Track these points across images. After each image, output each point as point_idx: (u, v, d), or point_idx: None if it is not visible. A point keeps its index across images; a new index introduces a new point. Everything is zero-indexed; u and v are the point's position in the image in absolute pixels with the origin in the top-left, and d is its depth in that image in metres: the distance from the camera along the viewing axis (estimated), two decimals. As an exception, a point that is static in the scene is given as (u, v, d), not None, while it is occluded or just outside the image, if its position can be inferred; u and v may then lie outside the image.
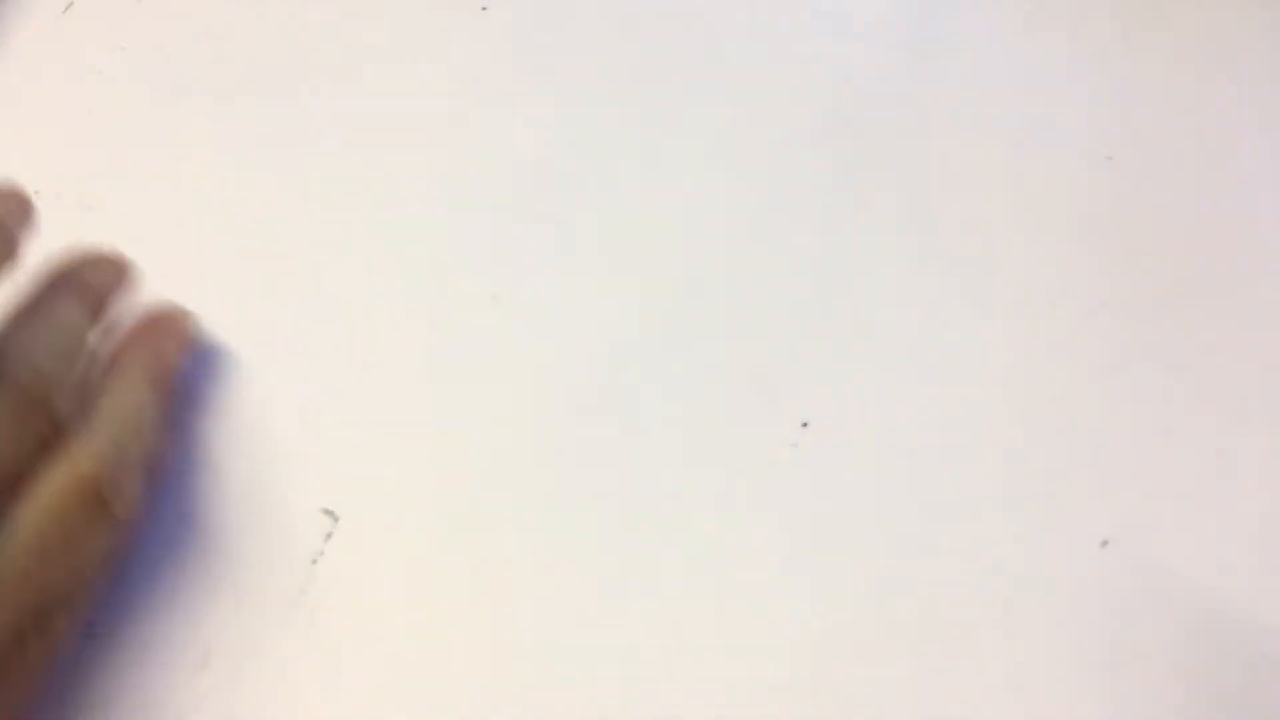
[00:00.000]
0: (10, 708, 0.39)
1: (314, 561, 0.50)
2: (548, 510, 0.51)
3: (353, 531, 0.51)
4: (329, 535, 0.51)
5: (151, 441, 0.47)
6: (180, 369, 0.52)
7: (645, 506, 0.51)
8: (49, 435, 0.42)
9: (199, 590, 0.49)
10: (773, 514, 0.51)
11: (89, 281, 0.49)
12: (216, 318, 0.56)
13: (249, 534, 0.51)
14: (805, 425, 0.54)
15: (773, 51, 0.68)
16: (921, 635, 0.48)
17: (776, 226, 0.60)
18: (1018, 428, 0.54)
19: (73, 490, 0.41)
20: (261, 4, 0.69)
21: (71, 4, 0.68)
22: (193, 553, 0.50)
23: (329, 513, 0.51)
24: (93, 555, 0.43)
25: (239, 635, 0.48)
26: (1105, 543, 0.51)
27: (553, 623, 0.49)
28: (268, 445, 0.53)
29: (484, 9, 0.69)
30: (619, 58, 0.67)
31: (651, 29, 0.69)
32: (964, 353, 0.56)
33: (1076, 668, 0.48)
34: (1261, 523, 0.51)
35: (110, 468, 0.42)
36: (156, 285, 0.56)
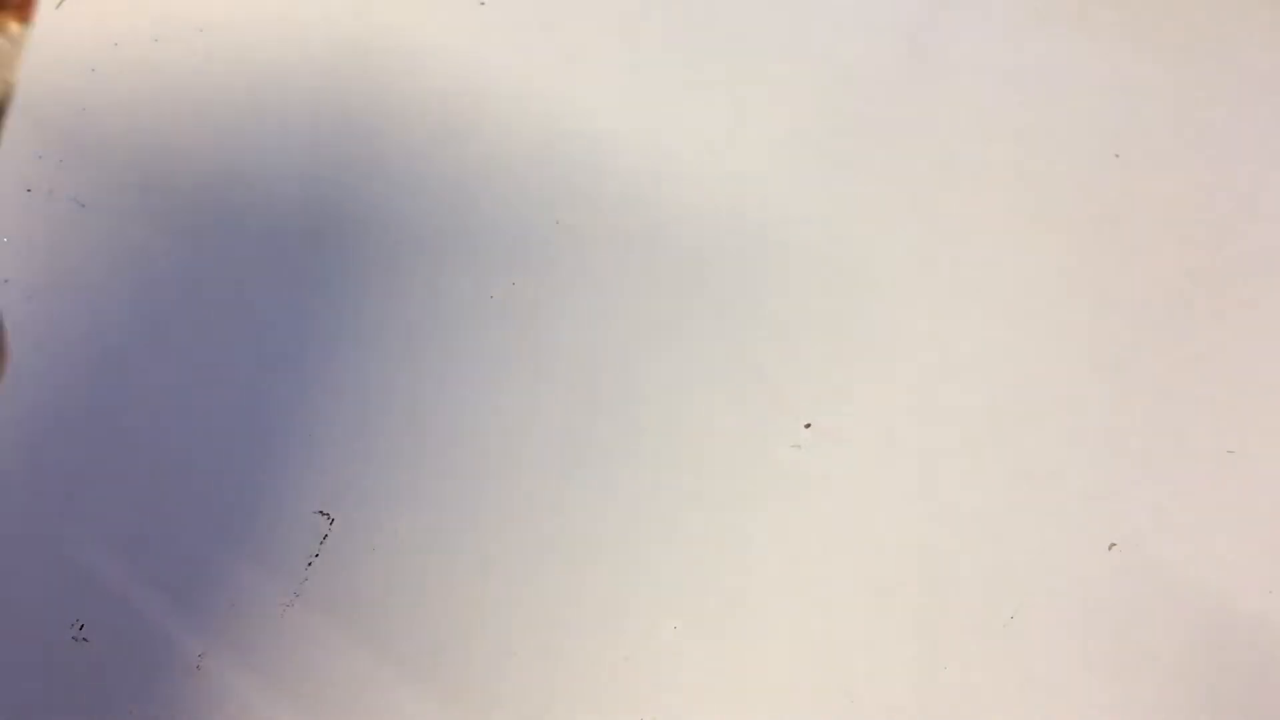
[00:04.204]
0: None
1: (309, 563, 0.50)
2: (546, 511, 0.51)
3: (347, 533, 0.50)
4: (324, 537, 0.50)
5: None
6: None
7: (647, 507, 0.51)
8: None
9: (193, 591, 0.49)
10: (776, 515, 0.51)
11: None
12: (213, 318, 0.56)
13: (244, 535, 0.50)
14: (808, 426, 0.53)
15: (774, 48, 0.67)
16: (927, 636, 0.48)
17: (778, 226, 0.60)
18: (1024, 429, 0.53)
19: None
20: None
21: (63, 1, 0.68)
22: (187, 553, 0.50)
23: (324, 514, 0.51)
24: None
25: (233, 636, 0.48)
26: (1113, 545, 0.50)
27: (550, 622, 0.48)
28: (263, 448, 0.53)
29: (482, 4, 0.68)
30: (617, 55, 0.67)
31: (650, 27, 0.68)
32: (969, 353, 0.56)
33: (1084, 669, 0.47)
34: (1269, 525, 0.51)
35: None
36: (152, 283, 0.55)
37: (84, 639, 0.47)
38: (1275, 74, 0.67)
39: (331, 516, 0.51)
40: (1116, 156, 0.62)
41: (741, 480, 0.52)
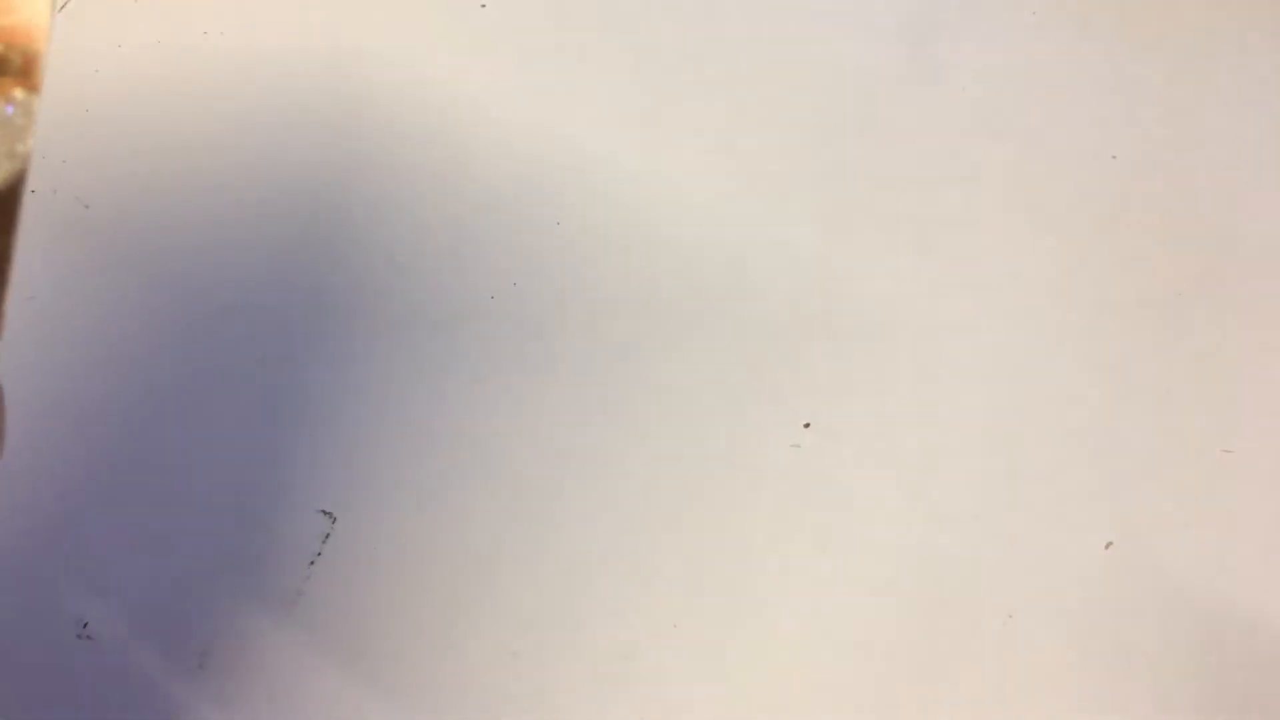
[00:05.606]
0: None
1: (311, 562, 0.50)
2: (546, 510, 0.51)
3: (350, 533, 0.50)
4: (326, 536, 0.50)
5: None
6: None
7: (647, 507, 0.51)
8: None
9: (196, 590, 0.49)
10: (775, 514, 0.51)
11: None
12: (215, 318, 0.56)
13: (247, 535, 0.50)
14: (807, 426, 0.53)
15: (774, 49, 0.67)
16: (925, 636, 0.48)
17: (778, 226, 0.60)
18: (1021, 428, 0.53)
19: None
20: (257, 1, 0.68)
21: (68, 3, 0.68)
22: (190, 552, 0.50)
23: (326, 514, 0.51)
24: None
25: (236, 636, 0.48)
26: (1109, 545, 0.50)
27: (550, 622, 0.48)
28: (264, 447, 0.53)
29: (483, 5, 0.68)
30: (617, 55, 0.67)
31: (651, 27, 0.68)
32: (967, 353, 0.56)
33: (1082, 667, 0.47)
34: (1265, 524, 0.51)
35: None
36: (152, 283, 0.55)
37: (88, 637, 0.48)
38: (1275, 74, 0.67)
39: (334, 516, 0.51)
40: (1114, 158, 0.63)
41: (741, 480, 0.52)
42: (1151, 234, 0.60)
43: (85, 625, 0.48)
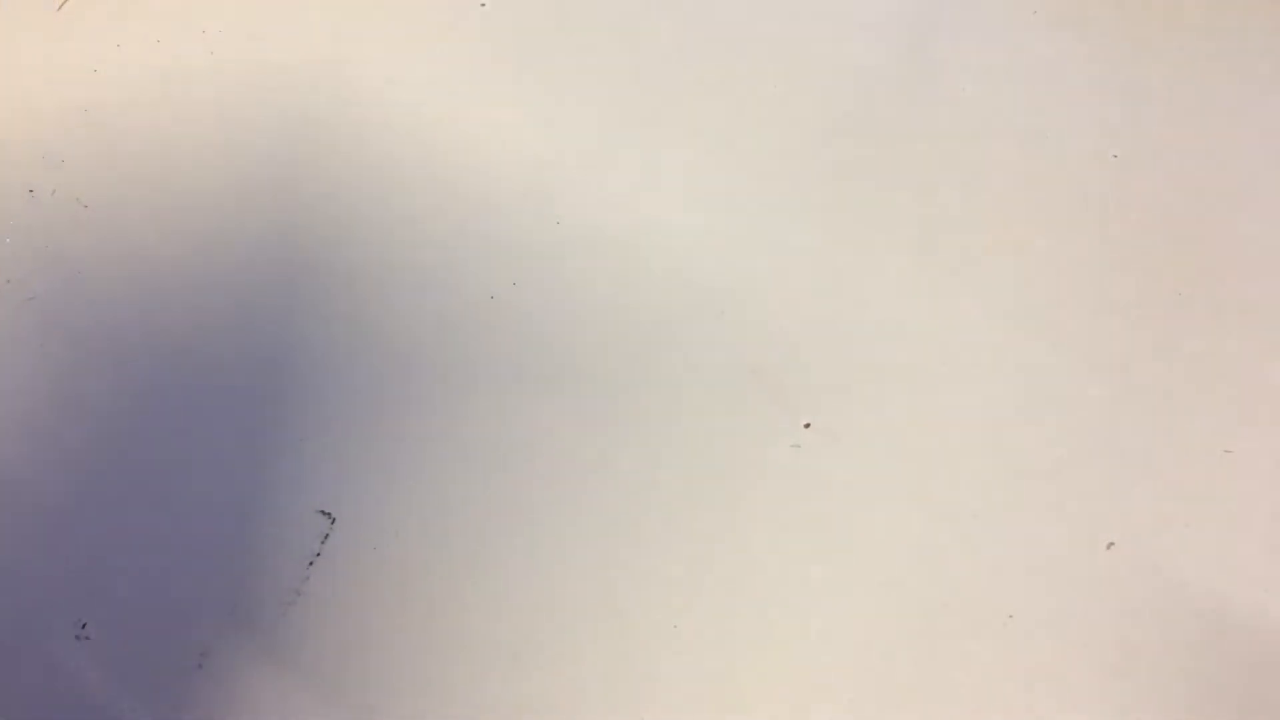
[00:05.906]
0: None
1: (310, 563, 0.50)
2: (546, 510, 0.51)
3: (349, 533, 0.50)
4: (325, 536, 0.50)
5: None
6: None
7: (647, 506, 0.51)
8: None
9: (196, 590, 0.49)
10: (775, 514, 0.51)
11: None
12: (216, 318, 0.56)
13: (246, 535, 0.50)
14: (808, 426, 0.53)
15: (774, 50, 0.67)
16: (926, 635, 0.48)
17: (778, 226, 0.60)
18: (1022, 428, 0.53)
19: None
20: (256, 1, 0.68)
21: (66, 1, 0.68)
22: (190, 552, 0.50)
23: (325, 514, 0.51)
24: None
25: (235, 635, 0.48)
26: (1111, 544, 0.50)
27: (550, 622, 0.48)
28: (264, 448, 0.53)
29: (482, 5, 0.68)
30: (618, 56, 0.67)
31: (650, 27, 0.68)
32: (967, 353, 0.56)
33: (1083, 667, 0.47)
34: (1266, 523, 0.51)
35: None
36: (153, 284, 0.55)
37: (86, 637, 0.48)
38: (1275, 74, 0.67)
39: (333, 516, 0.51)
40: (1115, 157, 0.63)
41: (741, 480, 0.52)
42: (1151, 234, 0.60)
43: (85, 625, 0.48)
